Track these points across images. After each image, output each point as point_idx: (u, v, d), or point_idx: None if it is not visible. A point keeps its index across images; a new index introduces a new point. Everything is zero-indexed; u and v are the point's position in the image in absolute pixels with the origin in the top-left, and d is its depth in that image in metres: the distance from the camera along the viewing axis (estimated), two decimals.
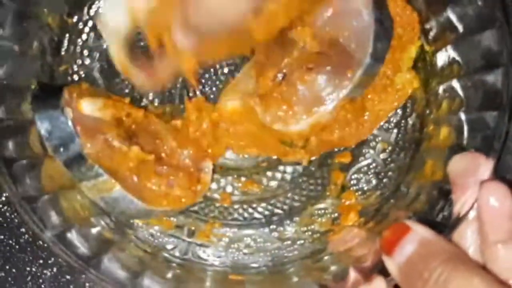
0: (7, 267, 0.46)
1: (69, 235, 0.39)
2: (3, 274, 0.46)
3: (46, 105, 0.39)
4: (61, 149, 0.39)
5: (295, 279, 0.43)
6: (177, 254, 0.45)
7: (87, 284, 0.46)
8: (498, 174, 0.35)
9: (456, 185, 0.36)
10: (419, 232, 0.35)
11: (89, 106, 0.41)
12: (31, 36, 0.42)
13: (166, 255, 0.45)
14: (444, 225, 0.36)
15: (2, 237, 0.47)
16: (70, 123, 0.39)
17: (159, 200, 0.42)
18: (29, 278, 0.47)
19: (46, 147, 0.39)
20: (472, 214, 0.35)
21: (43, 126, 0.39)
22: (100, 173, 0.39)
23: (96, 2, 0.45)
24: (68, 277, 0.47)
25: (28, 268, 0.46)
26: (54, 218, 0.39)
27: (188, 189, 0.44)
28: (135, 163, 0.41)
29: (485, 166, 0.35)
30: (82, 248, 0.39)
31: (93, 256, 0.39)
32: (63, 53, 0.46)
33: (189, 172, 0.44)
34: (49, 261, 0.47)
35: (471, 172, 0.36)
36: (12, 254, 0.46)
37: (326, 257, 0.44)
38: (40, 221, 0.38)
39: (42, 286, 0.47)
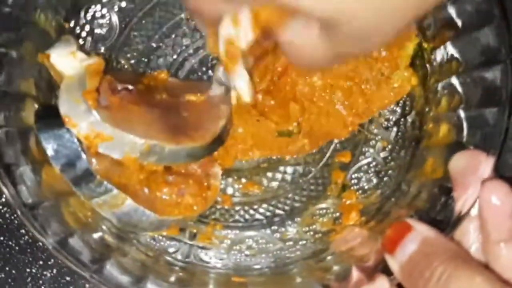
0: (7, 268, 0.46)
1: (71, 241, 0.39)
2: (3, 275, 0.46)
3: (50, 125, 0.39)
4: (69, 167, 0.39)
5: (298, 279, 0.43)
6: (179, 257, 0.45)
7: (87, 286, 0.47)
8: (498, 173, 0.35)
9: (457, 183, 0.36)
10: (420, 231, 0.35)
11: None
12: (28, 42, 0.42)
13: (168, 258, 0.45)
14: (445, 223, 0.36)
15: (2, 238, 0.47)
16: (75, 140, 0.39)
17: (171, 210, 0.42)
18: (29, 279, 0.47)
19: (54, 165, 0.39)
20: (474, 212, 0.35)
21: (49, 146, 0.39)
22: (110, 188, 0.39)
23: (93, 6, 0.45)
24: (68, 278, 0.47)
25: (28, 270, 0.47)
26: (56, 224, 0.39)
27: (199, 196, 0.43)
28: (145, 175, 0.41)
29: (486, 164, 0.35)
30: (84, 253, 0.39)
31: (95, 262, 0.39)
32: None
33: (199, 178, 0.44)
34: (49, 262, 0.47)
35: (472, 169, 0.36)
36: (12, 255, 0.46)
37: (328, 257, 0.43)
38: (42, 228, 0.38)
39: (42, 287, 0.47)
